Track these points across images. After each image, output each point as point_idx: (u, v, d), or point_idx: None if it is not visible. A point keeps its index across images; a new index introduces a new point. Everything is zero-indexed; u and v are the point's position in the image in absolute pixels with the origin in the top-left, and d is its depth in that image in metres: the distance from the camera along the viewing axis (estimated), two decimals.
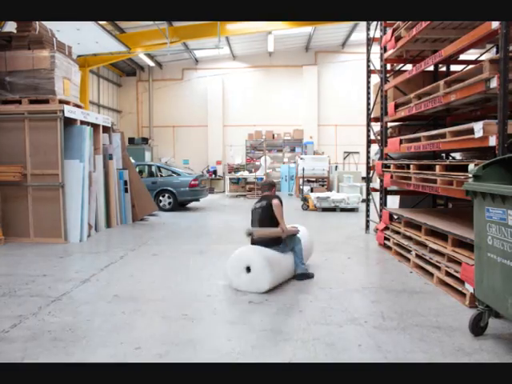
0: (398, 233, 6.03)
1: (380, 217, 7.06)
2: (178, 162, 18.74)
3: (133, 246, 6.72)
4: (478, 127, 3.82)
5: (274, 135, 18.66)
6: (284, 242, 4.73)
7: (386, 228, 6.46)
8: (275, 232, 4.65)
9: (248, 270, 4.34)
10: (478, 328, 3.21)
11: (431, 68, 6.23)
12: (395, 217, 6.36)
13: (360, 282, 4.78)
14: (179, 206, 11.71)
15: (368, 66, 7.95)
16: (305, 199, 11.99)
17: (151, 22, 12.76)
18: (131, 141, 17.81)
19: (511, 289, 2.83)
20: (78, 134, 7.38)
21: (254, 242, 4.74)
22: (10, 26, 8.24)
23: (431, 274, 4.63)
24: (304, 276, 4.78)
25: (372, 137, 7.90)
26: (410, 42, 5.74)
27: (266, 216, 4.71)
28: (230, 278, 4.45)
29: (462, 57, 6.35)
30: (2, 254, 6.23)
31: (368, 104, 7.97)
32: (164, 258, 6.03)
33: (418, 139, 5.33)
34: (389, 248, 6.19)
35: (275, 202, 4.65)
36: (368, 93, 8.02)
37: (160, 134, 19.67)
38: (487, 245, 3.07)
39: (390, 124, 7.16)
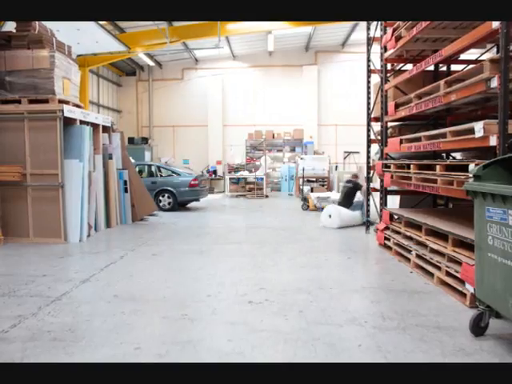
0: (398, 233, 6.03)
1: (380, 217, 7.06)
2: (177, 161, 18.74)
3: (132, 246, 6.72)
4: (479, 127, 3.81)
5: (273, 135, 18.66)
6: (353, 205, 8.90)
7: (387, 228, 6.45)
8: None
9: (330, 216, 8.46)
10: (478, 328, 3.21)
11: (431, 68, 6.23)
12: (395, 217, 6.35)
13: (360, 282, 4.78)
14: (179, 205, 11.70)
15: (368, 66, 7.94)
16: (305, 199, 11.98)
17: (151, 22, 12.77)
18: (131, 141, 17.81)
19: None
20: (78, 133, 7.38)
21: (339, 204, 8.97)
22: (10, 26, 8.24)
23: (431, 274, 4.63)
24: (367, 222, 7.97)
25: (372, 136, 7.90)
26: (410, 41, 5.74)
27: (350, 192, 9.12)
28: (322, 221, 8.59)
29: (463, 56, 6.34)
30: (2, 254, 6.22)
31: (368, 104, 7.96)
32: (164, 258, 6.02)
33: (418, 139, 5.32)
34: (389, 248, 6.18)
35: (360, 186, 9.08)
36: (368, 92, 8.01)
37: (160, 134, 19.68)
38: (488, 245, 3.07)
39: (390, 124, 7.15)
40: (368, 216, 8.02)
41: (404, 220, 5.81)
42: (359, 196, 9.24)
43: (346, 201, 8.95)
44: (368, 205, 8.05)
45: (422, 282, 4.66)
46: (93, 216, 7.76)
